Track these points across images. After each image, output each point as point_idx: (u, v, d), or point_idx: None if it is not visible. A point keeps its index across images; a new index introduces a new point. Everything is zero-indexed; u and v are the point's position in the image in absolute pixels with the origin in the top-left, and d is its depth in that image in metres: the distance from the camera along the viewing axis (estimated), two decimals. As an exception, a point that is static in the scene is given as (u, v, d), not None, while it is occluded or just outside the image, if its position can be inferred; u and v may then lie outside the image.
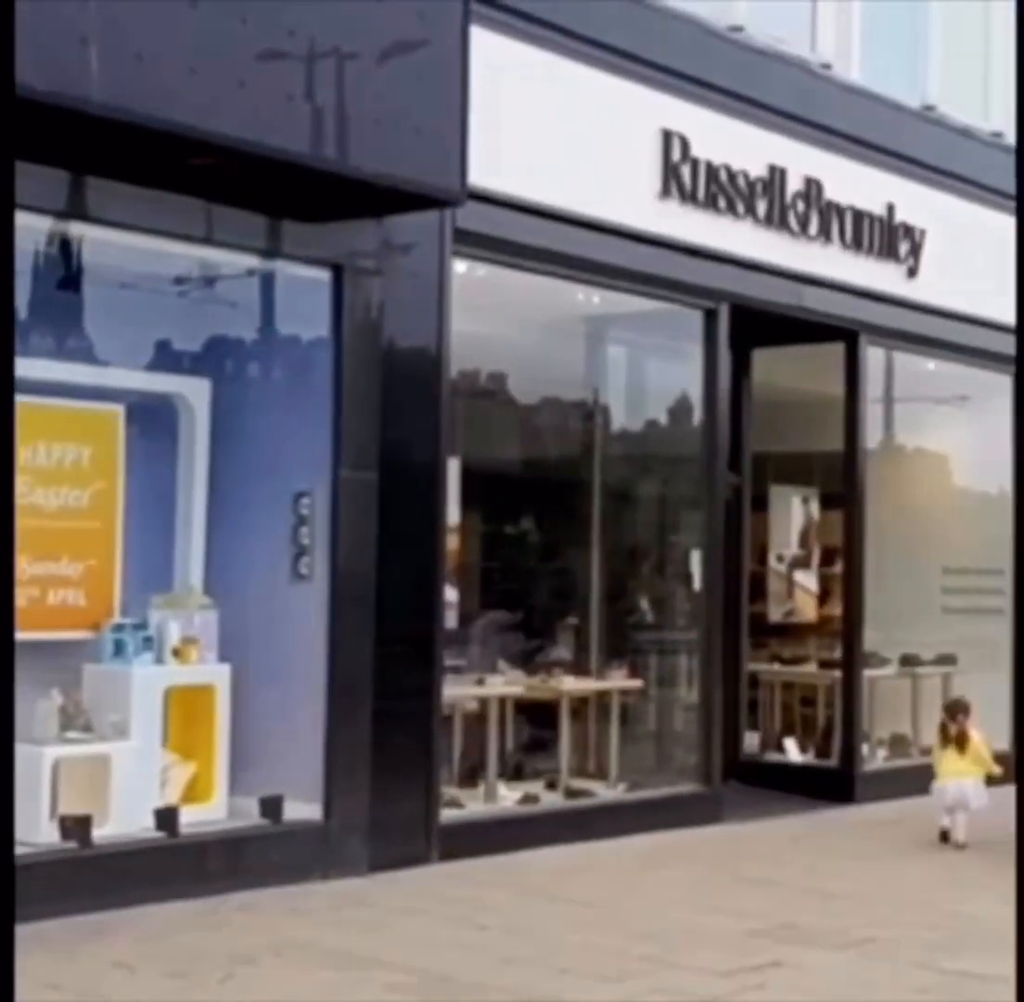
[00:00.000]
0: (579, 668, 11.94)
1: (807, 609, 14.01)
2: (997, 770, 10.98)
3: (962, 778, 10.80)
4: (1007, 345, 14.06)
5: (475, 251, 9.88)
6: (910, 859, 10.30)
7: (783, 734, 13.42)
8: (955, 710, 11.27)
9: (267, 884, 8.46)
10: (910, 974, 7.36)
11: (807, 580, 14.03)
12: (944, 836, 10.76)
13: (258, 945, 7.39)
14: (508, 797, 10.54)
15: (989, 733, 13.94)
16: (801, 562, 14.05)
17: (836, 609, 13.35)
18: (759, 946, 7.72)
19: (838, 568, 13.34)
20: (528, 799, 10.62)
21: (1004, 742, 14.07)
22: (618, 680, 11.76)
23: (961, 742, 10.96)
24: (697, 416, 11.94)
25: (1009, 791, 10.13)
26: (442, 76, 8.52)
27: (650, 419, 13.18)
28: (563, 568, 12.67)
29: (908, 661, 13.66)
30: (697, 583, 11.80)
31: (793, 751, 13.16)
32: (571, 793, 10.95)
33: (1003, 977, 7.28)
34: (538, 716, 11.44)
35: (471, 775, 10.66)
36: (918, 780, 12.93)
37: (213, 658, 9.02)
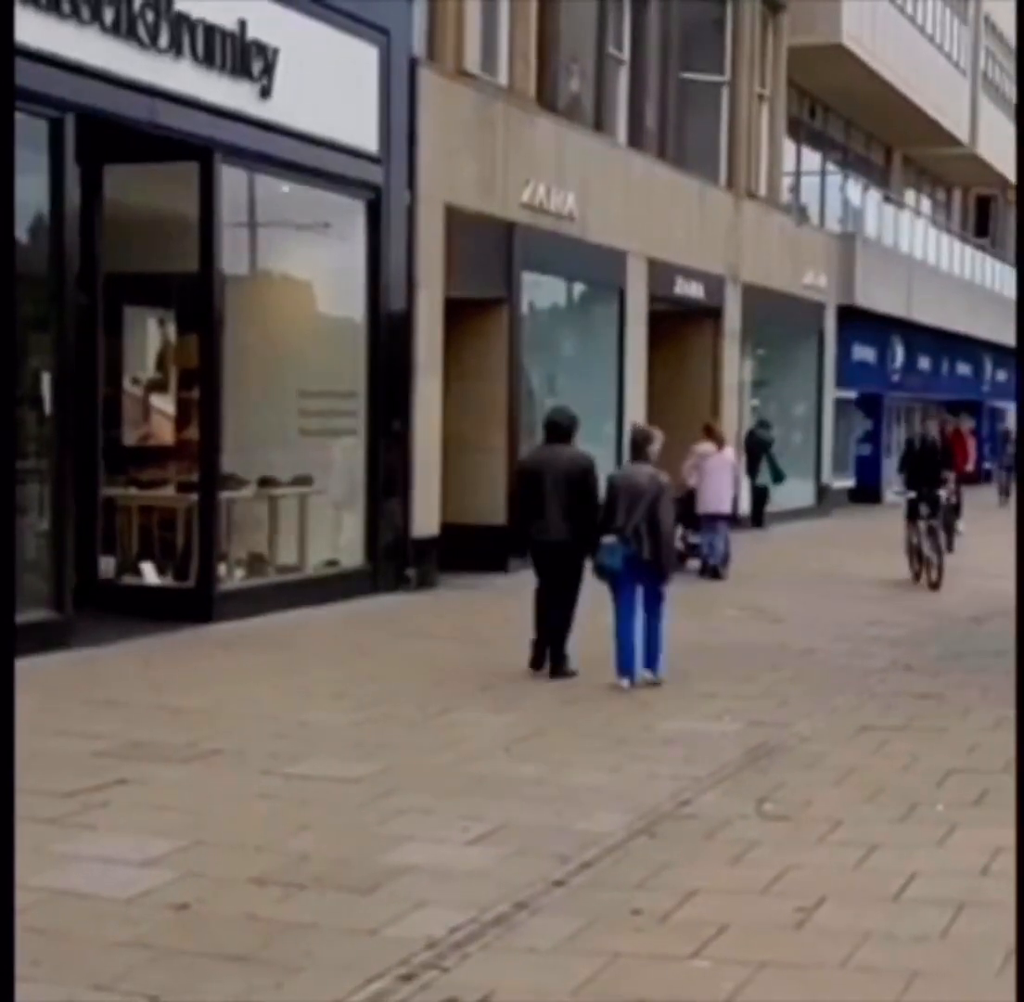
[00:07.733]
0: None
1: (164, 433, 13.85)
2: None
3: None
4: (360, 170, 14.27)
5: None
6: (258, 674, 10.52)
7: (141, 558, 13.31)
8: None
9: None
10: (254, 780, 7.57)
11: (164, 403, 13.84)
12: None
13: None
14: None
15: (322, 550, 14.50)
16: (158, 385, 13.85)
17: (194, 433, 13.25)
18: (105, 765, 7.71)
19: (196, 392, 13.20)
20: None
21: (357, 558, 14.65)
22: (-38, 508, 11.29)
23: None
24: (44, 233, 11.46)
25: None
26: None
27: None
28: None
29: (266, 482, 13.84)
30: (48, 407, 11.43)
31: (150, 574, 13.08)
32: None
33: (339, 778, 7.65)
34: None
35: None
36: (275, 598, 13.28)
37: None
